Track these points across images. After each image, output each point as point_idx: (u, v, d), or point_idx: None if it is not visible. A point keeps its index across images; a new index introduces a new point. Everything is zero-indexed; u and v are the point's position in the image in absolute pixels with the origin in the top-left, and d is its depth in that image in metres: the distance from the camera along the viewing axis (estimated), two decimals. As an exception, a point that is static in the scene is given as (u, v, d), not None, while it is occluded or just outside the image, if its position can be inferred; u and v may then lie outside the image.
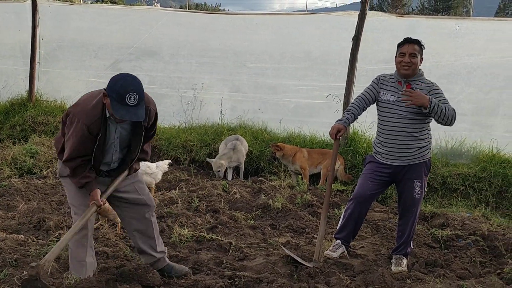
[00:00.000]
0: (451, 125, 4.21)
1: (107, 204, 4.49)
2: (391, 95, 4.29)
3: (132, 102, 3.18)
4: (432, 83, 4.30)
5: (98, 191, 3.51)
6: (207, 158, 7.45)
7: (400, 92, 4.20)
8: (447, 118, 4.09)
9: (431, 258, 4.61)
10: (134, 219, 3.84)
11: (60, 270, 3.93)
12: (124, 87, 3.18)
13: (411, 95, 4.06)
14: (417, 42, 4.25)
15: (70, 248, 3.59)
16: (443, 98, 4.20)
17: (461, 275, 4.33)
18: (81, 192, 3.56)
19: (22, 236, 4.61)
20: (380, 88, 4.36)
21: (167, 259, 4.03)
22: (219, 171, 7.15)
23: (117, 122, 3.41)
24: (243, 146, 7.40)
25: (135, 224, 3.86)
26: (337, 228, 4.69)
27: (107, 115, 3.37)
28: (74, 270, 3.58)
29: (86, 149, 3.37)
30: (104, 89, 3.32)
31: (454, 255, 4.80)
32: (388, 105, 4.30)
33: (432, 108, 4.04)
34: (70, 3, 10.21)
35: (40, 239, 4.63)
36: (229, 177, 7.33)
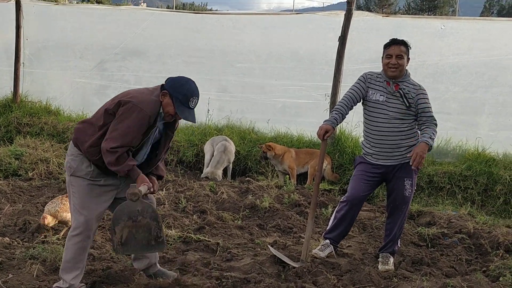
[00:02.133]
0: None
1: (61, 213, 4.59)
2: (380, 95, 4.30)
3: (192, 106, 3.48)
4: (419, 85, 4.31)
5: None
6: (202, 176, 7.33)
7: (407, 104, 4.21)
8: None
9: (417, 257, 4.64)
10: None
11: (46, 272, 3.90)
12: (190, 91, 3.46)
13: (420, 159, 4.07)
14: (404, 43, 4.26)
15: (69, 250, 3.54)
16: (427, 106, 4.27)
17: (447, 273, 4.37)
18: (91, 195, 3.54)
19: (7, 238, 4.55)
20: (368, 87, 4.35)
21: (158, 265, 4.01)
22: (215, 178, 7.12)
23: (166, 119, 3.54)
24: (232, 146, 7.41)
25: None
26: (328, 228, 4.69)
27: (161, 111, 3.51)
28: (65, 271, 3.55)
29: (137, 139, 3.41)
30: (162, 88, 3.48)
31: (440, 253, 4.84)
32: (377, 105, 4.30)
33: (431, 147, 4.14)
34: (55, 3, 10.11)
35: (25, 242, 4.57)
36: (229, 177, 7.36)
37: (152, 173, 3.70)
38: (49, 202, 4.74)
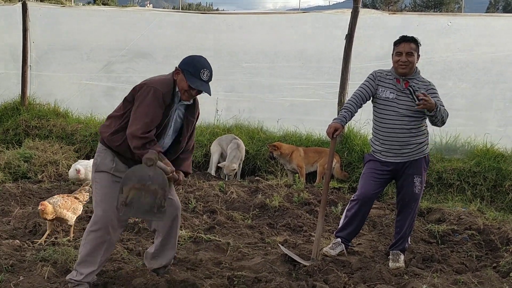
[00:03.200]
0: (440, 126, 4.37)
1: (61, 209, 4.55)
2: (390, 93, 4.30)
3: (205, 78, 3.53)
4: (428, 82, 4.32)
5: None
6: (218, 164, 7.41)
7: (416, 101, 4.13)
8: (441, 121, 4.20)
9: (428, 254, 4.63)
10: (165, 220, 3.81)
11: (57, 274, 3.91)
12: (200, 63, 3.53)
13: (426, 103, 4.05)
14: (413, 40, 4.26)
15: (87, 245, 3.58)
16: (439, 100, 4.26)
17: (457, 270, 4.36)
18: (112, 189, 3.56)
19: (17, 241, 4.56)
20: (377, 85, 4.35)
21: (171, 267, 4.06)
22: (230, 174, 7.15)
23: (183, 98, 3.57)
24: (243, 144, 7.44)
25: (163, 225, 3.84)
26: (339, 227, 4.70)
27: (176, 90, 3.57)
28: (83, 265, 3.60)
29: (157, 118, 3.47)
30: (175, 68, 3.57)
31: (450, 249, 4.84)
32: (387, 102, 4.30)
33: (436, 112, 4.10)
34: (61, 5, 10.14)
35: (36, 244, 4.59)
36: (238, 177, 7.39)
37: (178, 168, 3.72)
38: (49, 198, 4.74)
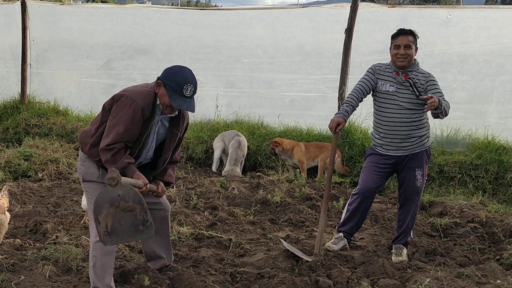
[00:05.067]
0: (442, 119, 4.28)
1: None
2: (390, 86, 4.28)
3: (188, 94, 3.29)
4: (428, 73, 4.29)
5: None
6: (222, 175, 7.30)
7: (417, 93, 4.13)
8: (444, 113, 4.12)
9: (431, 247, 4.63)
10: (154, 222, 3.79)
11: (58, 273, 3.89)
12: (184, 78, 3.28)
13: (433, 103, 3.96)
14: (411, 33, 4.24)
15: (98, 257, 3.46)
16: (439, 91, 4.21)
17: (461, 263, 4.36)
18: None
19: (18, 240, 4.54)
20: (377, 78, 4.34)
21: (173, 265, 4.01)
22: (235, 176, 7.11)
23: (166, 112, 3.39)
24: (245, 140, 7.42)
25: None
26: (341, 221, 4.70)
27: (157, 103, 3.39)
28: (100, 278, 3.48)
29: (132, 134, 3.32)
30: (157, 79, 3.36)
31: (453, 243, 4.83)
32: (387, 95, 4.29)
33: (440, 108, 4.02)
34: (60, 3, 10.11)
35: (37, 243, 4.57)
36: (240, 173, 7.37)
37: (160, 178, 3.64)
38: None
